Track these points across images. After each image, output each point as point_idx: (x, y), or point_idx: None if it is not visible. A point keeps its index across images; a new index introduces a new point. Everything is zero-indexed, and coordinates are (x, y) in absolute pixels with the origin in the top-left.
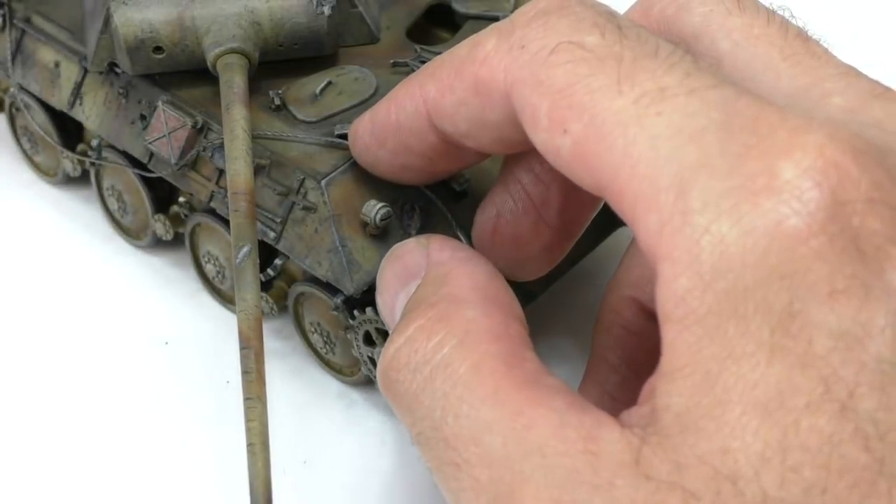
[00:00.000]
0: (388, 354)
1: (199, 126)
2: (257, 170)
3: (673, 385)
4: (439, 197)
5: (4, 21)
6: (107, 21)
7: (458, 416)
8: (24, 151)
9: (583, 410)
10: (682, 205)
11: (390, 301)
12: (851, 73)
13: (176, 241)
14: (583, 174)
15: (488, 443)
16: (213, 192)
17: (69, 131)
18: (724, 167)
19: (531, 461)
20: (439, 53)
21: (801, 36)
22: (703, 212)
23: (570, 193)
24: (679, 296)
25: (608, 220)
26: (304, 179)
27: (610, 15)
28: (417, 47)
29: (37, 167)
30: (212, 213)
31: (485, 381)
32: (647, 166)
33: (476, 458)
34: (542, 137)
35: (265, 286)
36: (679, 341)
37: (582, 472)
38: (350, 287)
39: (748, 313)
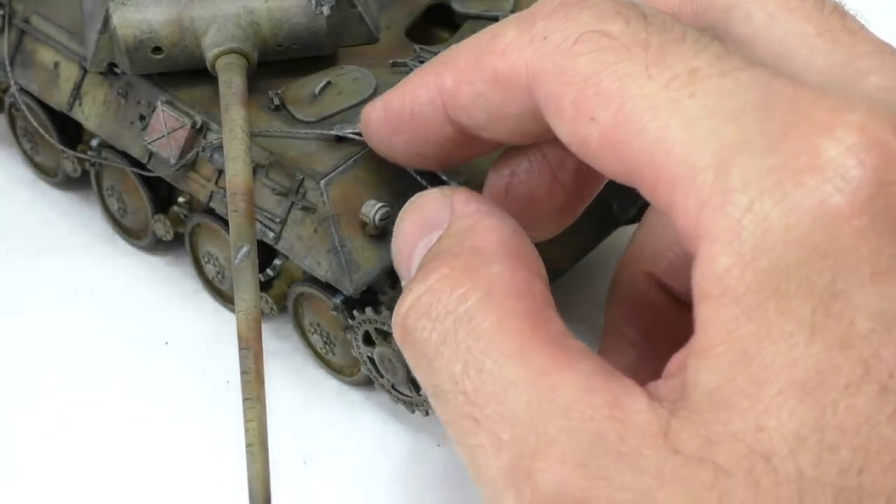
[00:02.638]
0: (406, 302)
1: (198, 126)
2: (256, 170)
3: (706, 362)
4: None
5: (4, 21)
6: (106, 21)
7: (480, 372)
8: (24, 151)
9: (609, 376)
10: (723, 184)
11: (407, 250)
12: (887, 50)
13: (176, 242)
14: (612, 162)
15: (512, 401)
16: (212, 192)
17: (69, 132)
18: (764, 146)
19: (556, 424)
20: (438, 53)
21: (838, 11)
22: (745, 190)
23: None
24: (718, 274)
25: (608, 220)
26: (303, 179)
27: (632, 4)
28: (417, 47)
29: (37, 167)
30: (211, 213)
31: (510, 338)
32: (682, 148)
33: (497, 416)
34: (567, 128)
35: (265, 286)
36: (715, 319)
37: (608, 439)
38: (349, 287)
39: (789, 292)
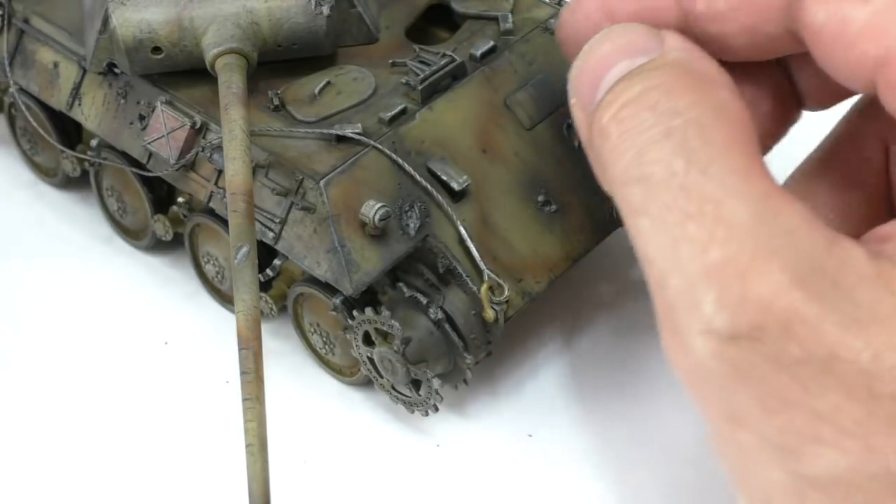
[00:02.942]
0: (629, 92)
1: (197, 126)
2: (256, 170)
3: None
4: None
5: (4, 21)
6: (105, 21)
7: (704, 173)
8: (24, 152)
9: (824, 222)
10: None
11: (603, 68)
12: None
13: (175, 242)
14: (869, 46)
15: (732, 209)
16: (212, 192)
17: (69, 132)
18: None
19: (779, 240)
20: (438, 53)
21: None
22: None
23: (778, 100)
24: None
25: (608, 220)
26: (302, 179)
27: None
28: (416, 47)
29: (37, 167)
30: (211, 213)
31: (737, 155)
32: None
33: (716, 216)
34: (830, 10)
35: (264, 286)
36: None
37: (826, 269)
38: (349, 287)
39: None
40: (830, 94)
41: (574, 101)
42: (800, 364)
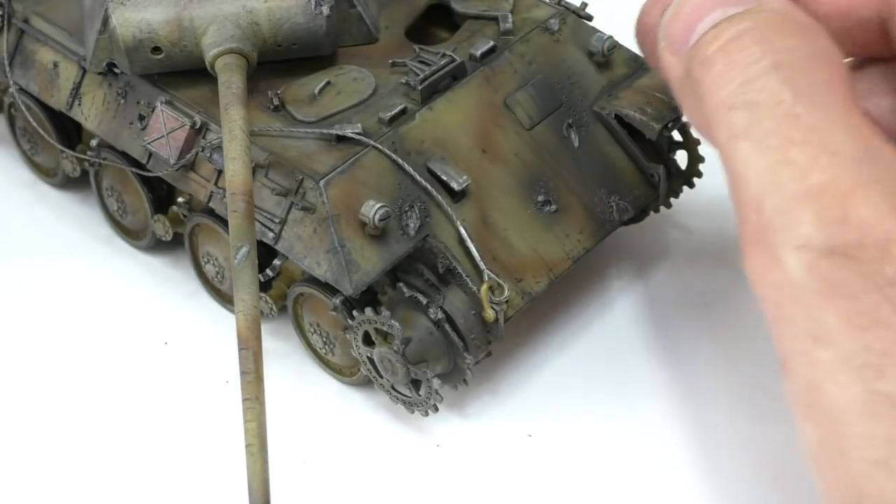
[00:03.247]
0: (738, 26)
1: (197, 126)
2: (256, 170)
3: None
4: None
5: (4, 21)
6: (105, 21)
7: (810, 106)
8: (24, 152)
9: None
10: None
11: (698, 14)
12: None
13: (175, 242)
14: None
15: (838, 139)
16: (211, 192)
17: (69, 132)
18: None
19: (881, 172)
20: (438, 53)
21: None
22: None
23: None
24: None
25: (608, 220)
26: (302, 180)
27: None
28: (416, 47)
29: (36, 167)
30: (211, 213)
31: (840, 95)
32: None
33: (819, 145)
34: None
35: (264, 286)
36: None
37: None
38: (349, 287)
39: None
40: None
41: (664, 45)
42: (893, 285)
